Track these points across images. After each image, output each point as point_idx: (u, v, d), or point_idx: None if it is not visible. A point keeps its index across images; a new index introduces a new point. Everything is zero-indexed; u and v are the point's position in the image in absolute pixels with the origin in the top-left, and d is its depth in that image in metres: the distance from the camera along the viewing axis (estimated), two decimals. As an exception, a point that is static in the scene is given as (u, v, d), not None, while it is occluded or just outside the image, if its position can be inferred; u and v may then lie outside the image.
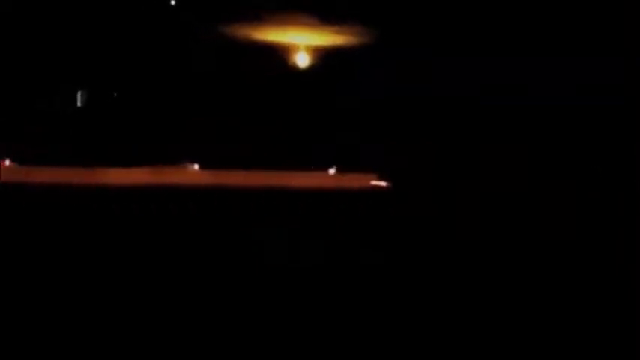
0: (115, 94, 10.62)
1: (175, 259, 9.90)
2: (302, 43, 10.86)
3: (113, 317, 9.26)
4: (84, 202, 10.10)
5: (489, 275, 10.09)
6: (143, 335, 9.06)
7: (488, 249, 10.32)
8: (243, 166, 10.60)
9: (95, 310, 9.34)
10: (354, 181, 10.70)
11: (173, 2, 10.66)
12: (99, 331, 9.12)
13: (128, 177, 10.33)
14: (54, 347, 8.94)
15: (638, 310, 9.63)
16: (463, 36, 10.88)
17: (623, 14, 10.71)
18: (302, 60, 10.89)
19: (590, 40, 10.80)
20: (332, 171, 10.77)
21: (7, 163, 10.29)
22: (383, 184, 10.62)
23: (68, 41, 10.54)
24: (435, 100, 10.89)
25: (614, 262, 10.25)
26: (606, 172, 10.75)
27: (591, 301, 9.83)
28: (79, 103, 10.55)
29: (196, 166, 10.53)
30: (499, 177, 10.70)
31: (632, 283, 9.93)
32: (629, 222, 10.44)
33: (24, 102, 10.53)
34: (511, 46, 10.84)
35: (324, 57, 10.88)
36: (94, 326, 9.16)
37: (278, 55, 10.82)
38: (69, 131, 10.55)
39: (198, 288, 9.65)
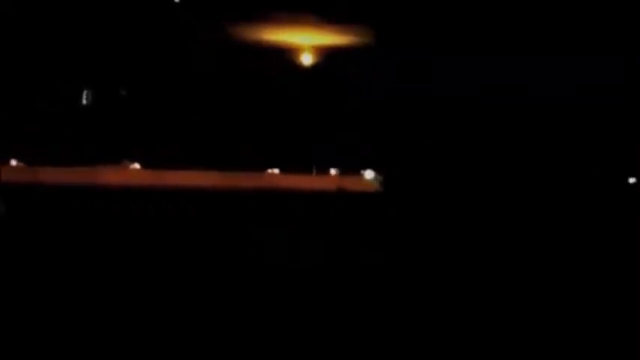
0: (121, 93, 10.61)
1: (177, 260, 9.91)
2: (302, 43, 10.86)
3: (111, 317, 9.27)
4: (85, 202, 10.11)
5: (490, 275, 10.08)
6: (141, 336, 9.06)
7: (489, 248, 10.32)
8: (244, 166, 10.61)
9: (94, 310, 9.34)
10: (354, 182, 10.71)
11: (177, 0, 10.65)
12: (98, 329, 9.13)
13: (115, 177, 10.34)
14: (53, 346, 8.94)
15: (638, 310, 9.62)
16: (463, 36, 10.88)
17: (623, 14, 10.72)
18: (302, 60, 10.89)
19: (590, 40, 10.81)
20: (333, 172, 10.78)
21: (14, 163, 10.30)
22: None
23: (72, 41, 10.54)
24: (435, 100, 10.90)
25: (614, 261, 10.25)
26: (606, 172, 10.76)
27: (591, 301, 9.82)
28: (84, 103, 10.55)
29: (137, 165, 10.49)
30: (499, 177, 10.70)
31: (632, 283, 9.92)
32: (629, 222, 10.44)
33: (24, 102, 10.54)
34: (511, 46, 10.84)
35: (324, 57, 10.89)
36: (93, 325, 9.17)
37: (279, 55, 10.82)
38: (72, 130, 10.54)
39: (198, 288, 9.65)
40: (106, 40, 10.58)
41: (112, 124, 10.58)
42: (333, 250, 10.11)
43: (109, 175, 10.34)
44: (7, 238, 9.81)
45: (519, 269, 10.17)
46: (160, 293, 9.53)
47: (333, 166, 10.80)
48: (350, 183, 10.68)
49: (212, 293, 9.60)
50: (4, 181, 10.09)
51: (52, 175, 10.20)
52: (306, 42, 10.84)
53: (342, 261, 10.04)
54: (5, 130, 10.34)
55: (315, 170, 10.75)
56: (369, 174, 10.70)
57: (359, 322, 9.25)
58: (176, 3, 10.69)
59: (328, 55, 10.86)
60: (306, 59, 10.83)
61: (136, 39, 10.61)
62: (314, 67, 10.84)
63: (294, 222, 10.21)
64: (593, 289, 9.98)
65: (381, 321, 9.30)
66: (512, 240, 10.42)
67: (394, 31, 10.81)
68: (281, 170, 10.66)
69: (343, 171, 10.79)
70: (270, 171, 10.64)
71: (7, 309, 9.10)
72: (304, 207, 10.35)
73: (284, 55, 10.82)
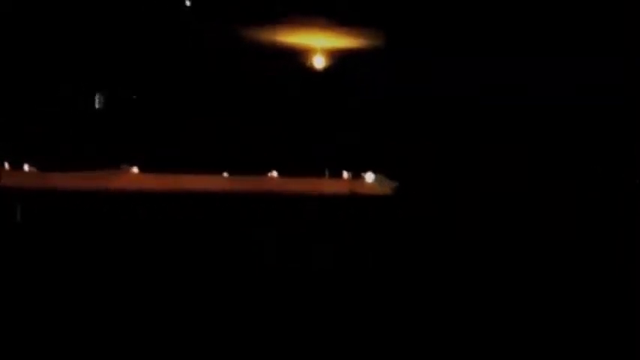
0: (132, 96, 10.57)
1: (183, 266, 9.92)
2: (312, 45, 10.83)
3: (113, 317, 9.29)
4: (91, 207, 10.10)
5: (492, 276, 10.12)
6: (145, 337, 9.08)
7: (490, 250, 10.35)
8: (245, 168, 10.60)
9: (95, 309, 9.37)
10: (364, 185, 10.70)
11: (188, 3, 10.61)
12: (101, 330, 9.15)
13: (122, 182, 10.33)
14: (58, 350, 8.97)
15: (639, 310, 9.67)
16: (463, 36, 10.88)
17: (623, 14, 10.72)
18: (312, 62, 10.86)
19: (590, 40, 10.81)
20: (345, 175, 10.76)
21: (27, 167, 10.26)
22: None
23: (77, 44, 10.50)
24: (435, 100, 10.90)
25: (615, 262, 10.28)
26: (606, 172, 10.77)
27: (592, 302, 9.87)
28: (97, 105, 10.51)
29: (135, 169, 10.46)
30: (499, 177, 10.72)
31: (632, 283, 9.96)
32: (629, 222, 10.47)
33: (27, 106, 10.50)
34: (511, 46, 10.84)
35: (334, 59, 10.87)
36: (96, 325, 9.19)
37: (282, 56, 10.80)
38: (78, 134, 10.51)
39: (204, 293, 9.67)
40: (114, 43, 10.54)
41: (120, 127, 10.55)
42: (333, 253, 10.13)
43: (112, 180, 10.33)
44: (16, 243, 9.83)
45: (521, 270, 10.21)
46: (163, 298, 9.55)
47: (344, 169, 10.78)
48: (360, 186, 10.68)
49: (217, 297, 9.63)
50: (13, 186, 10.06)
51: (60, 180, 10.19)
52: (317, 44, 10.81)
53: (343, 263, 10.07)
54: (12, 134, 10.32)
55: (326, 173, 10.73)
56: (369, 176, 10.70)
57: (364, 326, 9.30)
58: (186, 5, 10.66)
59: (338, 57, 10.84)
60: (317, 61, 10.81)
61: (144, 41, 10.59)
62: (324, 70, 10.82)
63: (302, 226, 10.21)
64: (594, 289, 10.03)
65: (387, 324, 9.34)
66: (513, 240, 10.44)
67: (393, 32, 10.80)
68: (289, 174, 10.64)
69: (355, 174, 10.77)
70: (277, 174, 10.63)
71: (15, 310, 9.15)
72: (312, 211, 10.34)
73: (294, 57, 10.79)
